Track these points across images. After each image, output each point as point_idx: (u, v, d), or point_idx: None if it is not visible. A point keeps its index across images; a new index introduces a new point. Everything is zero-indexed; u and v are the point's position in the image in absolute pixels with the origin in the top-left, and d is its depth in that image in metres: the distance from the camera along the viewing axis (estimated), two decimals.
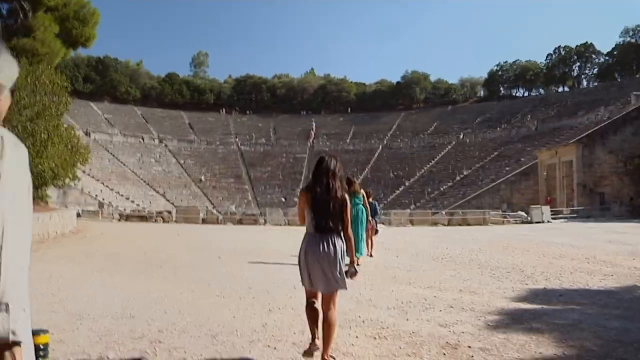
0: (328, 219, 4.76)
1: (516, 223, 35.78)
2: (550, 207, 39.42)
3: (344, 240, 4.85)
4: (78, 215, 37.09)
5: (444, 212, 40.09)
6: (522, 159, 62.55)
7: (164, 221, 33.78)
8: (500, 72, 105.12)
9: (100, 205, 42.14)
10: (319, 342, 4.72)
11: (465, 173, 67.80)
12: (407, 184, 69.25)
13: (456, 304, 7.10)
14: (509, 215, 39.00)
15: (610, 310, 6.96)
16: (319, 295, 4.89)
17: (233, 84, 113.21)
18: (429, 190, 65.59)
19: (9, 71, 1.58)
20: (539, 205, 38.06)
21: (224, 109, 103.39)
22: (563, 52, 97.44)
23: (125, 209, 42.06)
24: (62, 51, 22.71)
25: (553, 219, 36.88)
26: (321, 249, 4.70)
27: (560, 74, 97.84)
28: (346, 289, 4.90)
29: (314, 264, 4.73)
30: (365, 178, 73.67)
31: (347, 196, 4.91)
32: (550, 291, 8.48)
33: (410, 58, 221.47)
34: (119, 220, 34.25)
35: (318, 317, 4.83)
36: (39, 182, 19.62)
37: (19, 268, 1.45)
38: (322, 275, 4.72)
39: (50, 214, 18.15)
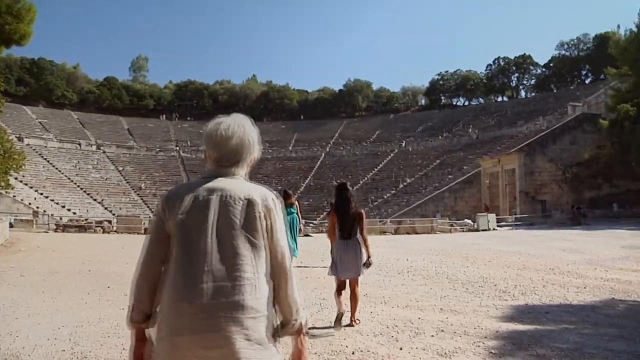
0: (350, 229, 7.01)
1: (463, 231, 35.83)
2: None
3: (362, 241, 7.08)
4: (10, 225, 35.20)
5: (388, 221, 39.84)
6: (464, 167, 63.25)
7: (104, 231, 32.24)
8: (441, 82, 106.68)
9: (35, 214, 40.01)
10: (343, 309, 6.70)
11: (408, 181, 68.11)
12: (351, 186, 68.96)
13: (446, 327, 6.50)
14: (455, 223, 39.08)
15: (606, 330, 6.52)
16: (346, 283, 7.11)
17: (174, 90, 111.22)
18: (373, 197, 65.51)
19: None
20: (485, 213, 38.23)
21: (164, 115, 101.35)
22: (502, 63, 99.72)
23: (61, 218, 40.12)
24: None
25: (498, 226, 37.11)
26: (348, 249, 6.98)
27: (500, 84, 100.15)
28: (362, 274, 7.16)
29: (345, 260, 6.97)
30: (307, 185, 73.23)
31: (362, 211, 7.29)
32: (533, 308, 8.02)
33: (353, 66, 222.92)
34: (56, 230, 32.48)
35: (342, 297, 6.90)
36: None
37: None
38: (350, 267, 6.95)
39: None
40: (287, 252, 2.32)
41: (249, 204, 2.25)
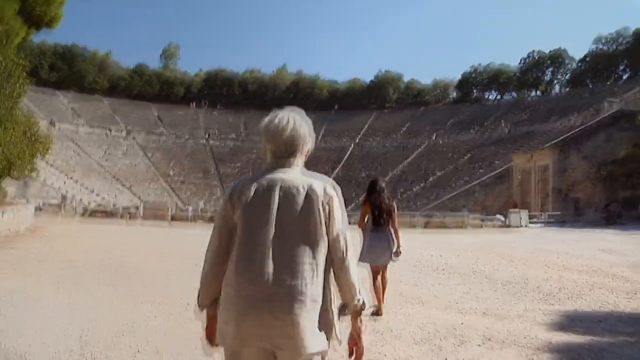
0: (382, 218, 7.41)
1: (494, 227, 34.99)
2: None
3: (393, 232, 7.54)
4: (39, 209, 35.28)
5: (417, 215, 39.11)
6: (495, 162, 62.12)
7: (130, 217, 32.17)
8: (473, 75, 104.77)
9: (63, 198, 40.08)
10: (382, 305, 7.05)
11: (438, 174, 67.17)
12: (384, 180, 68.10)
13: (492, 335, 5.91)
14: (486, 218, 38.24)
15: None
16: (379, 271, 7.43)
17: (204, 78, 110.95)
18: (402, 190, 64.74)
19: None
20: (517, 210, 37.29)
21: (193, 103, 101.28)
22: (537, 57, 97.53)
23: (89, 204, 40.11)
24: (23, 30, 20.78)
25: (530, 223, 36.20)
26: (379, 238, 7.36)
27: (533, 78, 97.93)
28: (396, 259, 7.63)
29: (376, 247, 7.34)
30: (336, 176, 72.53)
31: (394, 204, 7.79)
32: (583, 315, 7.38)
33: (384, 58, 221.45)
34: (82, 215, 32.44)
35: (379, 287, 7.23)
36: None
37: None
38: (382, 253, 7.34)
39: (4, 209, 16.21)
40: (348, 239, 2.46)
41: (310, 193, 2.39)
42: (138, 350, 4.82)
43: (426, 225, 33.79)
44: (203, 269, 2.54)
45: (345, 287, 2.42)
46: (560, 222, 40.13)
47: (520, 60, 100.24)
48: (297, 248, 2.33)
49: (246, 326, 2.29)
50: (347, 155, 79.56)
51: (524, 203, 50.38)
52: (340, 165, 76.58)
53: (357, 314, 2.44)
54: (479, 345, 5.48)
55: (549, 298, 8.53)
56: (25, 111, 23.01)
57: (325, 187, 2.44)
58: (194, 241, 17.99)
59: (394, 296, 8.31)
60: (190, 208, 40.29)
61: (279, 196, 2.38)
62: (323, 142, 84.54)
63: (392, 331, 5.93)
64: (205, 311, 2.58)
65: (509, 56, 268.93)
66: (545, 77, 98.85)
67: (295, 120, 2.57)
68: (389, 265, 7.70)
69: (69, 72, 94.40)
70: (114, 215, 32.15)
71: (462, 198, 54.44)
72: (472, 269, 11.86)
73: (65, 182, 57.17)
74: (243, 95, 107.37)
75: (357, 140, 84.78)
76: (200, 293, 2.56)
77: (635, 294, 9.25)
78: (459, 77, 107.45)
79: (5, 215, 16.06)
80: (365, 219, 7.52)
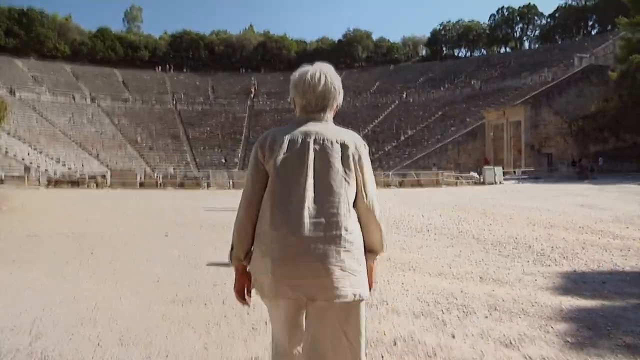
0: None
1: (469, 184, 34.84)
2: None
3: None
4: (1, 181, 34.05)
5: (390, 173, 38.70)
6: (467, 120, 62.03)
7: (97, 186, 31.10)
8: (443, 32, 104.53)
9: (27, 169, 38.72)
10: None
11: (410, 133, 66.92)
12: None
13: (497, 304, 5.36)
14: (461, 176, 38.04)
15: None
16: None
17: (169, 40, 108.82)
18: (374, 150, 64.28)
19: None
20: (492, 167, 37.11)
21: (159, 67, 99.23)
22: (506, 13, 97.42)
23: (55, 173, 38.75)
24: None
25: (504, 180, 36.11)
26: None
27: (503, 34, 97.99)
28: None
29: None
30: None
31: None
32: (584, 276, 6.89)
33: (353, 16, 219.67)
34: (47, 186, 31.21)
35: None
36: None
37: None
38: None
39: None
40: (375, 192, 2.53)
41: (343, 146, 2.44)
42: (99, 344, 4.05)
43: (401, 184, 33.44)
44: (236, 221, 2.53)
45: (375, 238, 2.51)
46: (534, 177, 40.23)
47: (490, 17, 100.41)
48: (333, 199, 2.37)
49: (281, 277, 2.31)
50: None
51: (497, 160, 50.49)
52: None
53: (374, 255, 2.56)
54: (486, 317, 4.91)
55: (543, 258, 8.05)
56: None
57: (355, 143, 2.49)
58: (163, 208, 17.31)
59: (382, 262, 7.73)
60: (159, 174, 39.49)
61: (314, 147, 2.42)
62: (292, 103, 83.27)
63: (387, 304, 5.33)
64: (236, 266, 2.58)
65: (479, 12, 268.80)
66: (515, 33, 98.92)
67: (327, 76, 2.57)
68: None
69: (27, 38, 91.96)
70: (80, 185, 31.04)
71: (435, 156, 54.25)
72: (458, 229, 11.35)
73: (29, 153, 55.53)
74: (210, 57, 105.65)
75: None
76: (235, 246, 2.55)
77: (629, 250, 8.84)
78: (428, 34, 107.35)
79: None
80: None
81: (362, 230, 2.46)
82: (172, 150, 71.09)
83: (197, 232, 11.18)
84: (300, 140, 2.44)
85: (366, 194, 2.47)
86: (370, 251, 2.51)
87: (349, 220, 2.38)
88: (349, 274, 2.33)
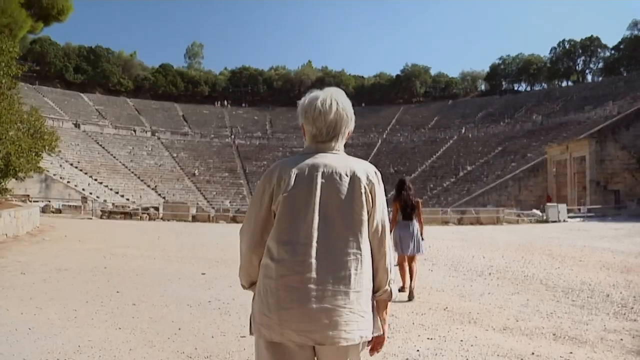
0: (410, 213, 8.78)
1: (531, 222, 33.28)
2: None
3: (418, 224, 8.87)
4: (59, 211, 34.42)
5: (448, 210, 37.39)
6: (528, 155, 60.05)
7: (150, 218, 30.98)
8: (502, 66, 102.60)
9: (84, 200, 39.13)
10: (407, 283, 8.27)
11: (469, 168, 65.24)
12: (409, 179, 66.33)
13: None
14: (522, 213, 36.46)
15: None
16: (407, 258, 8.57)
17: (228, 76, 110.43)
18: (431, 186, 62.99)
19: None
20: (555, 204, 35.41)
21: (218, 102, 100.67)
22: (567, 46, 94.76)
23: (107, 205, 38.94)
24: (29, 23, 19.57)
25: (568, 217, 34.38)
26: (408, 230, 8.68)
27: (565, 68, 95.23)
28: (423, 252, 9.13)
29: (405, 238, 8.62)
30: None
31: (419, 200, 9.14)
32: None
33: (411, 51, 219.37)
34: (101, 217, 31.30)
35: (406, 272, 8.45)
36: None
37: None
38: (409, 244, 8.58)
39: None
40: (387, 225, 2.39)
41: (353, 179, 2.31)
42: None
43: (459, 221, 32.17)
44: (240, 256, 2.45)
45: (381, 274, 2.36)
46: (601, 215, 38.25)
47: (551, 50, 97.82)
48: (342, 237, 2.25)
49: (287, 320, 2.17)
50: (374, 150, 77.92)
51: (560, 196, 48.44)
52: (368, 160, 73.84)
53: (384, 302, 2.41)
54: None
55: (625, 311, 6.99)
56: (29, 108, 21.78)
57: (367, 174, 2.37)
58: (208, 243, 16.69)
59: (438, 312, 6.85)
60: (215, 208, 39.09)
61: (322, 182, 2.30)
62: (350, 139, 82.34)
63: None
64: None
65: (539, 46, 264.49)
66: (577, 66, 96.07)
67: (338, 102, 2.43)
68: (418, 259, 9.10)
69: (93, 74, 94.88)
70: (132, 216, 30.98)
71: (495, 192, 52.50)
72: (523, 273, 10.31)
73: (89, 184, 56.59)
74: (268, 92, 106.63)
75: (384, 136, 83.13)
76: (240, 275, 2.50)
77: None
78: (487, 68, 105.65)
79: (1, 219, 14.55)
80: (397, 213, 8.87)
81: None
82: (228, 184, 71.28)
83: (236, 272, 10.46)
84: (308, 174, 2.31)
85: (377, 228, 2.34)
86: (375, 290, 2.35)
87: (361, 259, 2.26)
88: (358, 317, 2.22)
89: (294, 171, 2.31)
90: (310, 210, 2.24)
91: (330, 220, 2.25)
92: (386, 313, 2.42)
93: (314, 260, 2.18)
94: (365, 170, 2.37)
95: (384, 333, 2.40)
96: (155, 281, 8.98)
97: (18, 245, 14.30)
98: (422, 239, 8.87)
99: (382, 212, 2.37)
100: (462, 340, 5.37)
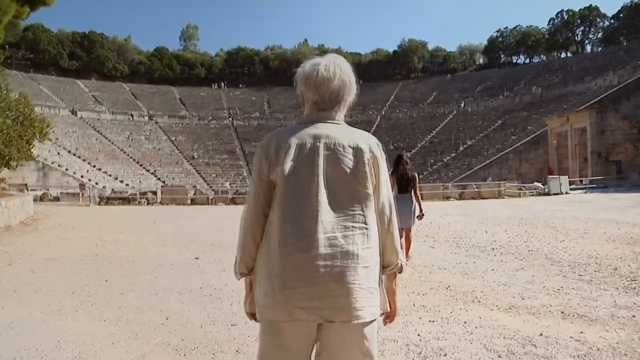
0: (405, 186, 9.27)
1: (532, 195, 33.00)
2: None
3: (415, 198, 9.32)
4: (56, 199, 34.16)
5: (449, 185, 37.08)
6: (528, 127, 59.59)
7: (148, 203, 30.69)
8: (500, 39, 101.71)
9: (82, 187, 38.80)
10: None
11: (469, 143, 64.80)
12: (408, 155, 65.74)
13: (591, 354, 4.12)
14: (524, 186, 36.17)
15: None
16: (404, 232, 8.91)
17: (224, 57, 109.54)
18: (432, 161, 62.58)
19: None
20: (557, 176, 35.09)
21: (215, 83, 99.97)
22: (566, 16, 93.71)
23: (105, 191, 38.62)
24: (13, 7, 19.01)
25: (570, 189, 34.06)
26: (403, 202, 8.87)
27: (564, 39, 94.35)
28: (415, 224, 9.44)
29: (402, 211, 8.26)
30: None
31: (415, 174, 9.63)
32: None
33: (407, 26, 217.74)
34: (99, 203, 30.97)
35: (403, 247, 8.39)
36: None
37: None
38: (406, 217, 8.81)
39: None
40: (393, 202, 2.31)
41: (357, 151, 2.20)
42: None
43: (461, 196, 31.90)
44: (240, 237, 2.28)
45: (390, 249, 2.27)
46: (603, 186, 37.95)
47: (549, 21, 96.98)
48: (348, 211, 2.14)
49: (294, 298, 2.06)
50: (374, 127, 77.29)
51: (561, 169, 48.14)
52: None
53: (394, 275, 2.36)
54: None
55: (635, 285, 6.69)
56: (18, 95, 21.31)
57: (370, 146, 2.25)
58: (205, 226, 16.38)
59: (440, 291, 6.55)
60: (215, 190, 38.76)
61: (327, 154, 2.17)
62: (349, 116, 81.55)
63: (446, 355, 4.16)
64: (246, 279, 2.37)
65: (537, 17, 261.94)
66: (576, 37, 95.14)
67: (341, 68, 2.31)
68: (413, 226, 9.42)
69: (88, 60, 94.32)
70: (131, 202, 30.68)
71: (496, 166, 52.14)
72: (528, 248, 10.02)
73: (88, 171, 56.39)
74: (265, 73, 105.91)
75: (383, 112, 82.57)
76: (238, 261, 2.32)
77: None
78: (485, 42, 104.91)
79: None
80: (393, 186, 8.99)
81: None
82: (228, 166, 70.89)
83: (231, 256, 10.17)
84: (309, 145, 2.18)
85: (382, 202, 2.25)
86: (385, 266, 2.27)
87: (368, 233, 2.16)
88: (368, 292, 2.12)
89: (294, 141, 2.19)
90: (314, 183, 2.13)
91: (336, 194, 2.14)
92: (395, 284, 2.36)
93: (321, 235, 2.07)
94: (368, 142, 2.26)
95: (392, 306, 2.35)
96: (147, 268, 8.66)
97: (9, 235, 13.99)
98: (422, 212, 9.34)
99: (387, 187, 2.28)
100: (465, 322, 5.07)
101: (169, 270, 8.34)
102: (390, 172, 9.17)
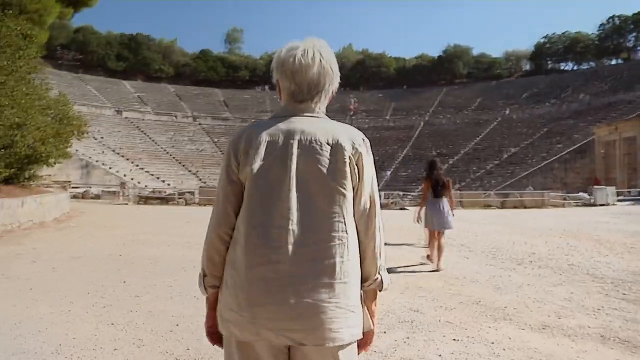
0: (440, 191, 9.49)
1: (577, 206, 31.99)
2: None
3: (449, 202, 9.60)
4: (97, 197, 34.56)
5: (491, 193, 36.28)
6: (575, 136, 58.10)
7: (186, 203, 30.76)
8: (547, 45, 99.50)
9: (122, 185, 39.25)
10: (435, 260, 9.01)
11: (512, 150, 63.52)
12: (450, 162, 65.02)
13: None
14: (568, 196, 35.14)
15: None
16: (437, 234, 9.29)
17: (268, 60, 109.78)
18: (474, 169, 61.56)
19: None
20: (604, 187, 33.98)
21: (259, 86, 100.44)
22: (618, 22, 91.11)
23: (144, 190, 39.00)
24: (57, 8, 19.25)
25: (618, 201, 32.95)
26: (438, 207, 9.41)
27: (614, 45, 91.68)
28: (453, 228, 9.76)
29: (435, 215, 9.36)
30: (406, 156, 70.00)
31: (449, 179, 9.83)
32: None
33: (452, 31, 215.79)
34: (138, 202, 31.23)
35: (434, 247, 9.16)
36: (15, 160, 16.32)
37: None
38: (440, 220, 9.33)
39: (23, 199, 14.61)
40: (377, 200, 2.04)
41: (336, 148, 1.94)
42: None
43: (502, 205, 31.14)
44: (205, 242, 2.01)
45: (369, 259, 2.00)
46: None
47: (599, 26, 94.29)
48: (324, 217, 1.88)
49: (261, 317, 1.83)
50: (416, 133, 76.56)
51: (608, 179, 46.70)
52: (410, 143, 73.63)
53: (373, 293, 2.06)
54: None
55: None
56: (57, 94, 21.61)
57: (353, 142, 1.99)
58: None
59: (469, 306, 6.15)
60: None
61: (298, 152, 1.93)
62: (392, 121, 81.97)
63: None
64: (208, 297, 2.06)
65: (586, 23, 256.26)
66: (628, 43, 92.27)
67: (322, 54, 2.05)
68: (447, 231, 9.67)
69: (134, 61, 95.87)
70: (169, 202, 30.81)
71: (540, 175, 51.02)
72: (568, 261, 9.51)
73: (131, 170, 57.19)
74: None
75: (426, 118, 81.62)
76: (204, 273, 2.03)
77: None
78: (532, 48, 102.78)
79: (26, 205, 14.43)
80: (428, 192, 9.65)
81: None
82: None
83: None
84: (281, 142, 1.94)
85: (365, 205, 1.98)
86: (363, 281, 1.99)
87: (347, 244, 1.90)
88: (346, 311, 1.86)
89: (265, 137, 1.95)
90: (285, 186, 1.89)
91: (310, 198, 1.89)
92: (375, 305, 2.07)
93: (291, 247, 1.83)
94: (351, 137, 2.00)
95: (372, 327, 2.05)
96: (168, 270, 8.47)
97: (41, 231, 14.10)
98: (453, 214, 9.62)
99: (370, 186, 2.01)
100: (493, 343, 4.69)
101: (190, 274, 8.10)
102: (424, 176, 9.95)
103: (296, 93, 2.05)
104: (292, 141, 1.93)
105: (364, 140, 2.04)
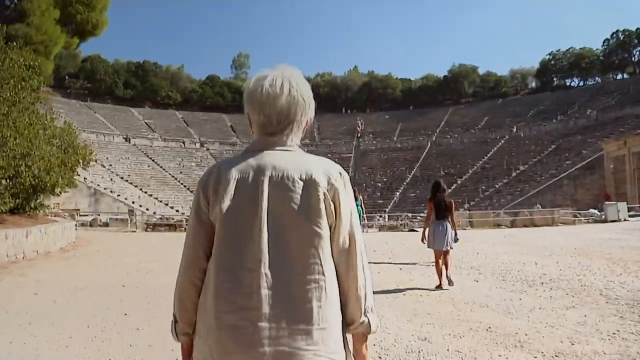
0: (443, 213, 9.85)
1: (588, 222, 31.67)
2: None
3: (451, 224, 9.92)
4: (105, 225, 34.50)
5: (500, 212, 35.96)
6: (583, 152, 57.78)
7: None
8: (552, 62, 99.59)
9: (131, 212, 39.22)
10: (443, 281, 9.31)
11: (521, 168, 63.20)
12: (459, 181, 64.78)
13: None
14: (579, 213, 34.81)
15: None
16: (441, 254, 9.59)
17: None
18: (483, 187, 61.22)
19: None
20: (615, 202, 33.63)
21: None
22: (622, 37, 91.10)
23: (153, 217, 38.93)
24: (63, 39, 19.39)
25: (629, 216, 32.59)
26: (441, 228, 9.78)
27: (620, 59, 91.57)
28: (453, 248, 9.87)
29: (438, 235, 9.71)
30: (414, 177, 69.77)
31: (452, 201, 10.16)
32: None
33: (457, 51, 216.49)
34: (146, 230, 31.15)
35: (441, 269, 9.44)
36: (20, 190, 16.33)
37: None
38: (440, 240, 9.66)
39: (29, 229, 14.55)
40: (357, 237, 1.89)
41: (310, 184, 1.82)
42: None
43: (512, 224, 30.86)
44: (176, 287, 1.96)
45: (351, 301, 1.86)
46: None
47: (604, 42, 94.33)
48: (299, 259, 1.77)
49: None
50: (424, 153, 76.42)
51: (619, 194, 46.29)
52: (418, 164, 73.44)
53: (361, 337, 1.90)
54: None
55: None
56: (63, 123, 21.69)
57: (329, 177, 1.87)
58: None
59: (479, 333, 5.97)
60: None
61: (269, 189, 1.81)
62: (399, 142, 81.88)
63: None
64: (183, 345, 1.97)
65: (591, 39, 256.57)
66: (634, 57, 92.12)
67: (291, 82, 1.96)
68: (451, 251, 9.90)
69: (142, 88, 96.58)
70: (177, 228, 30.73)
71: (549, 192, 50.66)
72: (580, 282, 9.29)
73: (139, 197, 57.19)
74: (315, 99, 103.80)
75: (433, 138, 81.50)
76: (178, 318, 1.96)
77: None
78: (537, 65, 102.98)
79: (31, 235, 14.40)
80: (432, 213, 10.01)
81: (339, 289, 1.84)
82: None
83: None
84: (251, 179, 1.83)
85: (344, 238, 1.84)
86: (347, 324, 1.86)
87: (324, 286, 1.77)
88: (327, 359, 1.72)
89: (234, 175, 1.84)
90: (256, 226, 1.76)
91: (283, 239, 1.77)
92: (366, 348, 1.89)
93: (264, 291, 1.71)
94: (327, 171, 1.87)
95: None
96: (171, 300, 8.26)
97: (45, 261, 14.01)
98: (457, 238, 9.97)
99: (349, 223, 1.86)
100: None
101: None
102: (428, 198, 10.34)
103: (266, 125, 1.97)
104: (262, 178, 1.83)
105: (340, 174, 1.92)
